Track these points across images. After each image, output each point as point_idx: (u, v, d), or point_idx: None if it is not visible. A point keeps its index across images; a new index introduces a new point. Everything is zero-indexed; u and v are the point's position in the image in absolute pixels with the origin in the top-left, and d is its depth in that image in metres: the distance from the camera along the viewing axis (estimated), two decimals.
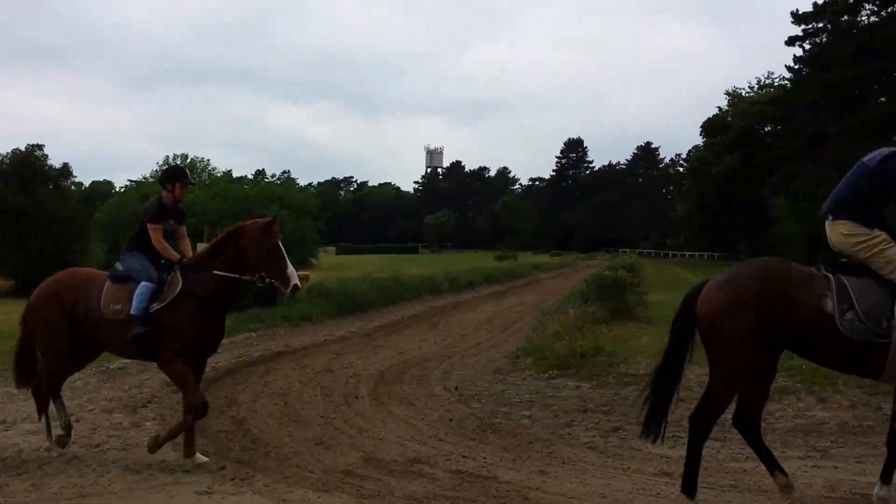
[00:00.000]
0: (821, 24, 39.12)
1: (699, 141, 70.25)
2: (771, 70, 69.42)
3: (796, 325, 4.66)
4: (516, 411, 8.33)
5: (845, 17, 37.93)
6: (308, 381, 10.01)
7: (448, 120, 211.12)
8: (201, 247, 7.22)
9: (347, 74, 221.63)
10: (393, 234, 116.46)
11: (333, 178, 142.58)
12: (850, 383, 8.41)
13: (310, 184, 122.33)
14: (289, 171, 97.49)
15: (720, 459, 6.28)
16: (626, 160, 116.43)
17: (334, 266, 31.99)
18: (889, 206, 4.85)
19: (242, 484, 5.67)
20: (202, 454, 6.24)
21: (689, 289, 5.19)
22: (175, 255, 6.51)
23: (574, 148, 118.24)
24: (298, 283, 6.35)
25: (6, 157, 35.09)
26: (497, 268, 40.66)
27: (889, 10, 35.62)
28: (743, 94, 64.36)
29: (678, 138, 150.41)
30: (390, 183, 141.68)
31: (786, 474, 4.95)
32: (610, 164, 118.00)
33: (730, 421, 5.34)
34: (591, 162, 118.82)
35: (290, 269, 6.26)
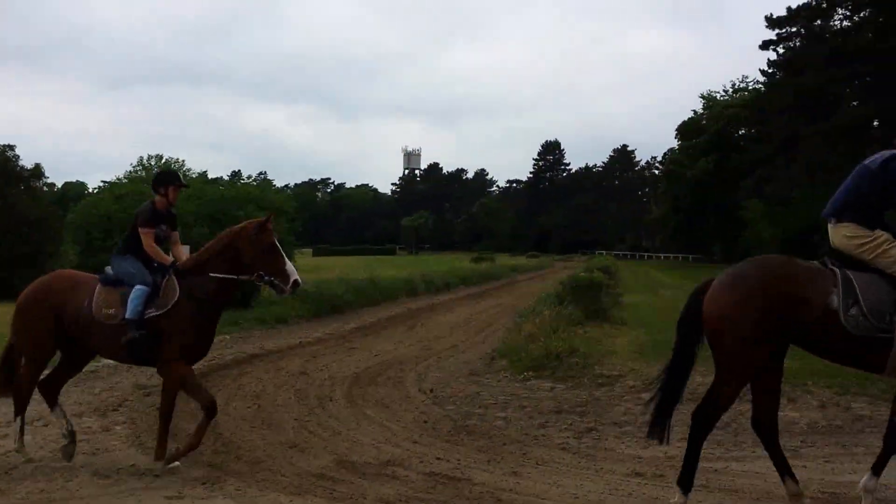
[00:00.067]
0: (794, 29, 39.53)
1: (674, 144, 70.88)
2: (745, 74, 70.22)
3: (803, 321, 4.66)
4: (491, 413, 8.34)
5: (818, 22, 38.35)
6: (282, 384, 9.94)
7: (426, 122, 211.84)
8: (185, 249, 7.14)
9: (325, 76, 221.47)
10: (370, 236, 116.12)
11: (310, 179, 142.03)
12: (819, 384, 8.52)
13: (286, 185, 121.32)
14: (265, 172, 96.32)
15: None
16: (603, 163, 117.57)
17: (311, 268, 31.90)
18: (891, 208, 4.87)
19: (213, 488, 5.61)
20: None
21: (695, 288, 5.16)
22: (167, 259, 6.43)
23: (551, 150, 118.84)
24: (299, 279, 6.29)
25: None
26: (474, 269, 40.77)
27: (861, 15, 36.13)
28: (717, 98, 64.95)
29: (654, 141, 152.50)
30: (368, 184, 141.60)
31: (797, 482, 4.91)
32: (587, 167, 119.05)
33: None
34: (568, 164, 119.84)
35: (289, 265, 6.24)
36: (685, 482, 4.89)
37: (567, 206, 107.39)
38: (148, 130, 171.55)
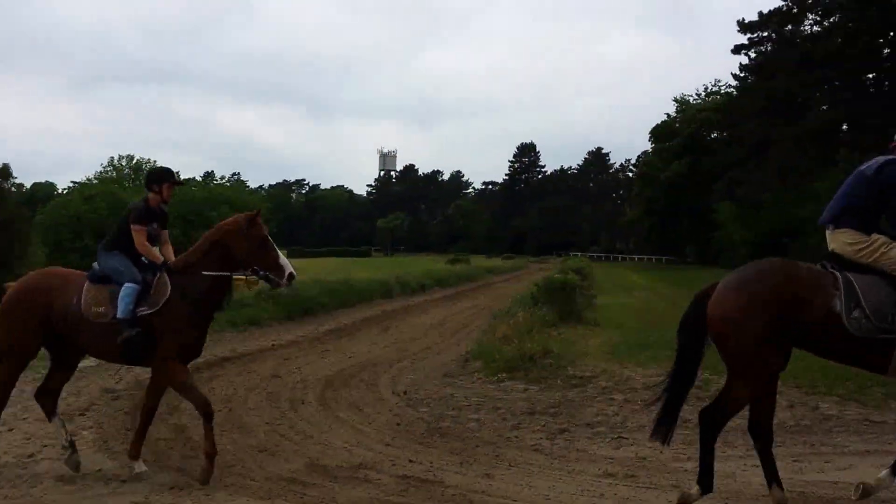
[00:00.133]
0: (766, 34, 40.02)
1: (648, 147, 71.51)
2: (718, 78, 70.91)
3: (806, 324, 4.70)
4: (464, 415, 8.32)
5: (789, 27, 38.88)
6: (254, 387, 9.84)
7: (402, 123, 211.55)
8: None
9: (300, 76, 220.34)
10: (345, 238, 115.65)
11: (285, 180, 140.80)
12: (788, 384, 8.60)
13: (261, 186, 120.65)
14: (239, 173, 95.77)
15: (662, 460, 6.35)
16: (578, 165, 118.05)
17: None
18: (886, 212, 4.91)
19: (181, 493, 5.53)
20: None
21: (699, 291, 5.16)
22: (159, 258, 6.27)
23: (526, 152, 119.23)
24: (293, 272, 6.18)
25: None
26: (450, 271, 40.71)
27: (830, 20, 36.65)
28: (691, 101, 65.62)
29: (628, 144, 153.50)
30: (343, 186, 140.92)
31: (782, 489, 4.91)
32: (562, 169, 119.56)
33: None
34: (544, 166, 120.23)
35: (283, 258, 6.14)
36: (705, 482, 4.91)
37: (542, 208, 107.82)
38: (119, 131, 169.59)
